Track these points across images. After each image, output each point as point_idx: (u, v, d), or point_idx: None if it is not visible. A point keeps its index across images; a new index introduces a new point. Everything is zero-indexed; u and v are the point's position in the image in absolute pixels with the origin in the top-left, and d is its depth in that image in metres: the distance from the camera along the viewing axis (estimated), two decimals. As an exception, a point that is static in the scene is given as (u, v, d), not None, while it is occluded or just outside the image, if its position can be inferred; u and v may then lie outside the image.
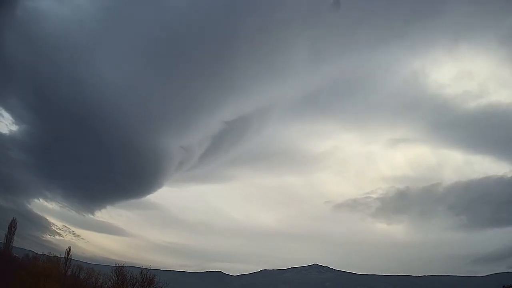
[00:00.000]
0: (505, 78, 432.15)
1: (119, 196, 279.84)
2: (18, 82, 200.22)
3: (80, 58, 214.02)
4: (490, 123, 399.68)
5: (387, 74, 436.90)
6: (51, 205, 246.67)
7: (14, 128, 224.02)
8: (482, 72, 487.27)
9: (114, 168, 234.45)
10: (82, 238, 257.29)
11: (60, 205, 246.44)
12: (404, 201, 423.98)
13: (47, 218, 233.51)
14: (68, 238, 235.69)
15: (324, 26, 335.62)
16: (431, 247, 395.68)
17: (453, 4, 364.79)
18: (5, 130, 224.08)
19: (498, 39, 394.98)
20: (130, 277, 60.57)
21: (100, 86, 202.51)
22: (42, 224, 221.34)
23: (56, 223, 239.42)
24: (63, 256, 77.14)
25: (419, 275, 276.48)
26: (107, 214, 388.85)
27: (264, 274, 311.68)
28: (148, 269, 61.73)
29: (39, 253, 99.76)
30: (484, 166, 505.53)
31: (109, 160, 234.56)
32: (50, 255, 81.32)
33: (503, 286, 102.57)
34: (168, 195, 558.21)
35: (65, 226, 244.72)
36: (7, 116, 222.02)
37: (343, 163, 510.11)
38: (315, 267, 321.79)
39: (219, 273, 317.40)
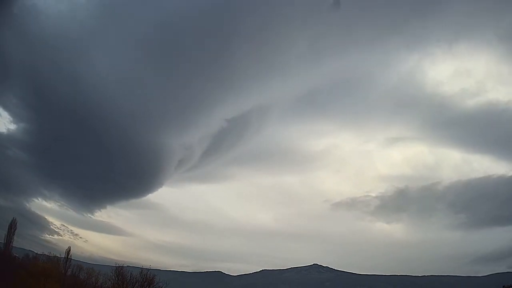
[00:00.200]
0: (503, 76, 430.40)
1: (119, 196, 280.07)
2: (16, 80, 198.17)
3: (79, 57, 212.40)
4: (488, 121, 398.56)
5: (385, 72, 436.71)
6: (50, 205, 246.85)
7: (12, 126, 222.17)
8: (480, 70, 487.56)
9: (114, 168, 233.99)
10: (81, 238, 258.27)
11: (59, 204, 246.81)
12: (404, 200, 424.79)
13: (46, 217, 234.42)
14: (66, 237, 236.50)
15: (324, 26, 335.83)
16: (431, 246, 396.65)
17: (451, 2, 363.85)
18: (3, 129, 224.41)
19: (496, 37, 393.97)
20: (130, 277, 60.51)
21: (99, 85, 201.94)
22: (41, 224, 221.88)
23: (54, 222, 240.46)
24: (63, 256, 77.12)
25: (419, 275, 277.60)
26: (106, 213, 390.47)
27: (264, 274, 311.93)
28: (148, 269, 61.71)
29: (39, 253, 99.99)
30: (483, 165, 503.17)
31: (109, 160, 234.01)
32: (50, 255, 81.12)
33: (503, 286, 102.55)
34: (168, 195, 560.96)
35: (64, 225, 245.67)
36: (4, 114, 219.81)
37: (342, 162, 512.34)
38: (315, 267, 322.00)
39: (219, 273, 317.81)
